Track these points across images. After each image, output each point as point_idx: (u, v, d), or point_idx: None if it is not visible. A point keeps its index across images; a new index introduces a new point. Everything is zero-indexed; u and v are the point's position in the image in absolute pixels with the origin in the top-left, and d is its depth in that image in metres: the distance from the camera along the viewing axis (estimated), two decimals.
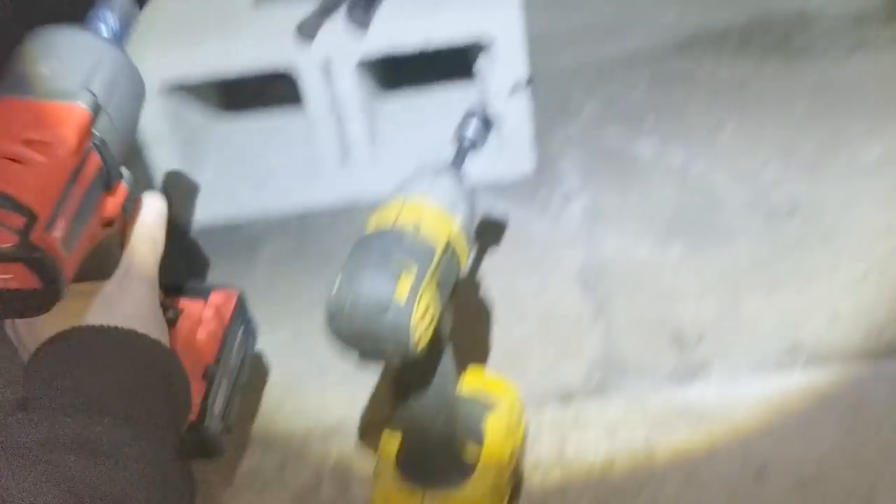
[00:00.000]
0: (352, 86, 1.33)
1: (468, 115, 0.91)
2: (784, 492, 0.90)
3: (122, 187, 0.58)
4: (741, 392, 1.01)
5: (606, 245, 1.28)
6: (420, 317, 0.66)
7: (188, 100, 1.43)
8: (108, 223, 0.57)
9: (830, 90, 1.54)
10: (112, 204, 0.57)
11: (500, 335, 1.16)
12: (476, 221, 0.80)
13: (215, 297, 0.73)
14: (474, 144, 0.89)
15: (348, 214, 1.44)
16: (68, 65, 0.55)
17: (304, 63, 1.29)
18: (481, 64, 1.41)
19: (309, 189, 1.44)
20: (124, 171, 0.59)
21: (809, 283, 1.16)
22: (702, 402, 1.01)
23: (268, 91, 1.55)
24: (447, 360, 0.78)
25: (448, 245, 0.72)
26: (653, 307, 1.16)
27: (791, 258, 1.20)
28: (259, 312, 0.86)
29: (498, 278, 1.25)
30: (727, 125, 1.49)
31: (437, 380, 0.76)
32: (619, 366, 1.09)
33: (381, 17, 1.29)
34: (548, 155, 1.48)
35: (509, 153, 1.42)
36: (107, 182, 0.56)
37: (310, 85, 1.32)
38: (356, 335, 0.67)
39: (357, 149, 1.40)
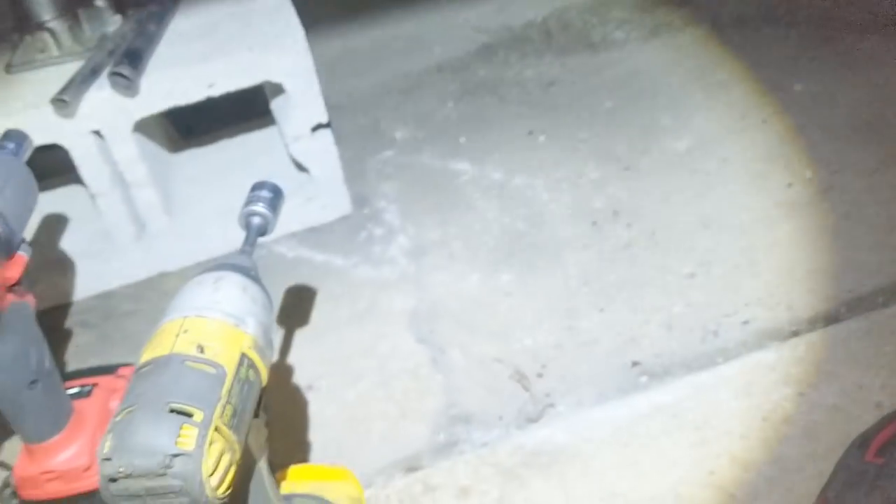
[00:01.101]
0: (133, 151, 1.21)
1: (255, 189, 0.81)
2: None
3: (20, 257, 0.77)
4: (589, 426, 0.96)
5: (435, 283, 1.22)
6: (215, 459, 0.57)
7: None
8: (10, 287, 0.76)
9: (634, 81, 1.54)
10: (10, 269, 0.76)
11: (337, 401, 1.07)
12: (273, 317, 0.71)
13: (124, 371, 0.92)
14: (266, 221, 0.80)
15: (153, 289, 1.31)
16: None
17: (72, 134, 1.15)
18: (276, 106, 1.31)
19: (105, 269, 1.30)
20: (24, 245, 0.78)
21: (641, 291, 1.13)
22: (552, 443, 0.96)
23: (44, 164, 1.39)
24: (260, 487, 0.68)
25: (241, 361, 0.62)
26: (490, 345, 1.10)
27: (620, 266, 1.18)
28: None
29: (328, 336, 1.17)
30: (541, 132, 1.46)
31: None
32: (463, 418, 1.03)
33: (155, 66, 1.18)
34: (364, 190, 1.41)
35: (322, 197, 1.33)
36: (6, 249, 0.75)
37: (83, 157, 1.19)
38: (140, 500, 0.57)
39: (152, 217, 1.27)
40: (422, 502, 0.93)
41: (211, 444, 0.56)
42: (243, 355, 0.62)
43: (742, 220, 1.20)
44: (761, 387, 0.97)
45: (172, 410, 0.56)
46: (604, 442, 0.95)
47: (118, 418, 0.57)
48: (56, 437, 0.84)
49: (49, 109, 1.14)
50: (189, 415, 0.56)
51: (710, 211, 1.23)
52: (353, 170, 1.46)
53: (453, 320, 1.15)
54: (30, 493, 0.88)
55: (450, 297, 1.19)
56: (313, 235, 1.35)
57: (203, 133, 1.53)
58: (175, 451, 0.55)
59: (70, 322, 1.29)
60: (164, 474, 0.55)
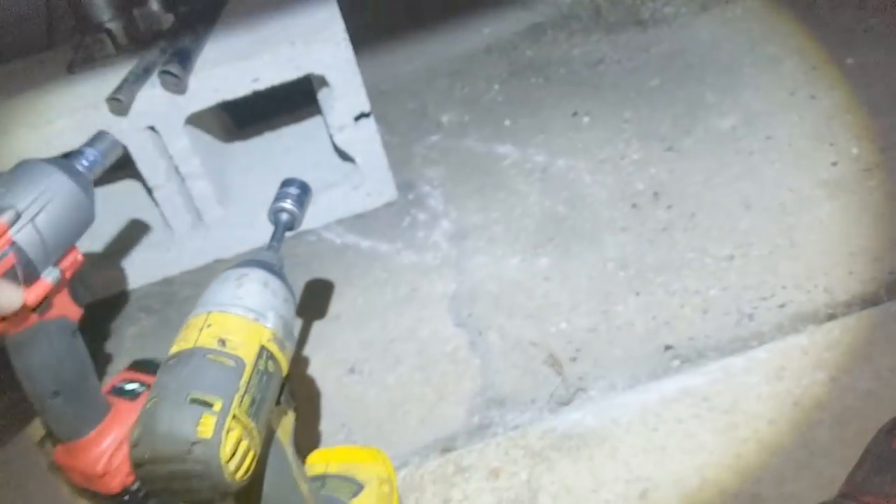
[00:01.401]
0: (186, 145, 1.26)
1: (283, 186, 0.85)
2: None
3: (43, 283, 0.79)
4: (619, 410, 0.98)
5: (475, 266, 1.24)
6: (233, 445, 0.61)
7: None
8: (35, 309, 0.79)
9: (681, 58, 1.52)
10: (30, 295, 0.78)
11: (378, 384, 1.11)
12: (294, 309, 0.75)
13: None
14: (293, 217, 0.84)
15: (211, 275, 1.37)
16: (10, 187, 0.79)
17: (128, 130, 1.21)
18: (322, 97, 1.35)
19: (165, 257, 1.37)
20: (52, 270, 0.80)
21: (678, 274, 1.14)
22: (582, 426, 0.97)
23: None
24: (286, 470, 0.73)
25: (261, 354, 0.66)
26: (527, 329, 1.13)
27: (658, 249, 1.18)
28: None
29: (371, 321, 1.21)
30: (585, 113, 1.46)
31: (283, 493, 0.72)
32: (497, 400, 1.05)
33: (203, 64, 1.22)
34: (409, 176, 1.44)
35: (368, 185, 1.37)
36: (23, 277, 0.77)
37: (140, 152, 1.24)
38: (165, 482, 0.61)
39: (206, 207, 1.33)
40: (453, 482, 0.96)
41: (229, 431, 0.60)
42: (262, 348, 0.66)
43: (784, 200, 1.19)
44: (793, 371, 0.96)
45: (193, 400, 0.61)
46: (633, 425, 0.96)
47: (146, 407, 0.62)
48: (82, 439, 0.90)
49: (106, 108, 1.19)
50: (209, 404, 0.61)
51: (752, 191, 1.22)
52: (400, 155, 1.49)
53: (492, 304, 1.18)
54: (63, 475, 0.95)
55: (489, 281, 1.21)
56: (360, 222, 1.38)
57: (259, 122, 1.58)
58: (195, 439, 0.59)
59: (133, 307, 1.36)
60: (185, 460, 0.60)
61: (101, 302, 1.38)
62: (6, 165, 1.19)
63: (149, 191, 1.31)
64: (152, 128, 1.23)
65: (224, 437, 0.60)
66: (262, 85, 1.23)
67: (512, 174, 1.39)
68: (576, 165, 1.37)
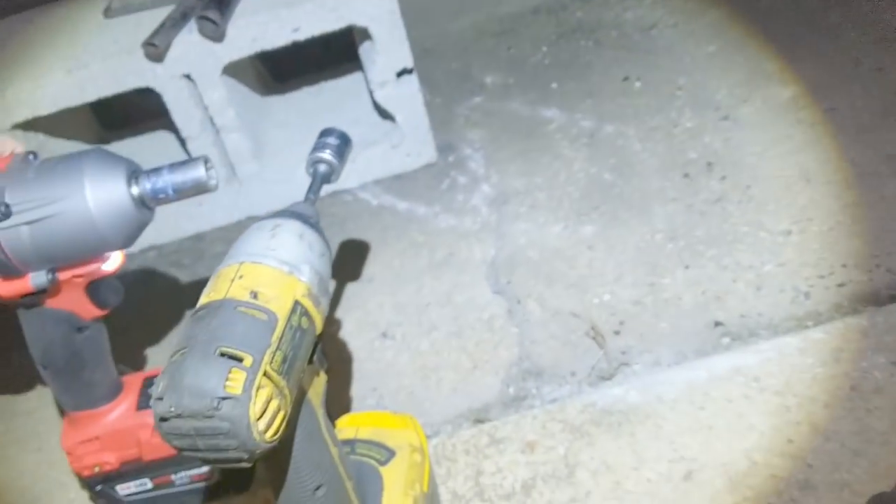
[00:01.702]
0: (222, 95, 1.22)
1: (322, 136, 0.81)
2: (714, 492, 0.83)
3: (22, 283, 0.73)
4: (664, 386, 0.93)
5: (516, 233, 1.19)
6: (263, 404, 0.57)
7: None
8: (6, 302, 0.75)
9: (740, 24, 1.46)
10: (5, 288, 0.73)
11: (411, 349, 1.08)
12: (329, 265, 0.70)
13: None
14: (332, 168, 0.80)
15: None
16: (29, 184, 0.70)
17: (163, 78, 1.18)
18: (363, 51, 1.30)
19: (198, 212, 1.33)
20: (40, 275, 0.73)
21: (730, 248, 1.08)
22: (624, 402, 0.93)
23: (141, 107, 1.43)
24: (317, 432, 0.69)
25: (294, 309, 0.62)
26: (568, 299, 1.08)
27: (710, 221, 1.12)
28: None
29: (406, 285, 1.17)
30: (637, 78, 1.40)
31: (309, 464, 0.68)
32: (534, 372, 1.01)
33: (242, 11, 1.18)
34: (450, 137, 1.39)
35: (407, 145, 1.32)
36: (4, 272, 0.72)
37: (174, 100, 1.21)
38: (190, 439, 0.58)
39: (241, 162, 1.29)
40: (487, 454, 0.92)
41: (259, 388, 0.56)
42: (297, 303, 0.61)
43: (847, 174, 1.13)
44: (851, 354, 0.91)
45: (222, 354, 0.56)
46: (678, 404, 0.91)
47: (172, 359, 0.58)
48: (68, 412, 0.87)
49: (141, 53, 1.16)
50: (239, 359, 0.56)
51: (813, 164, 1.15)
52: (441, 116, 1.44)
53: (532, 272, 1.13)
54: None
55: (530, 248, 1.17)
56: (397, 183, 1.34)
57: (298, 76, 1.53)
58: (223, 395, 0.55)
59: (164, 262, 1.33)
60: (212, 416, 0.56)
61: (130, 256, 1.35)
62: (42, 110, 1.18)
63: (182, 142, 1.27)
64: (188, 76, 1.19)
65: (254, 395, 0.56)
66: (302, 35, 1.19)
67: (557, 139, 1.34)
68: (625, 132, 1.31)
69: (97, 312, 0.80)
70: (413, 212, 1.29)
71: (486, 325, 1.08)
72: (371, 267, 1.21)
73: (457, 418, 0.98)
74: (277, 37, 1.18)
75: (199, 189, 0.73)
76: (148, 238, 1.35)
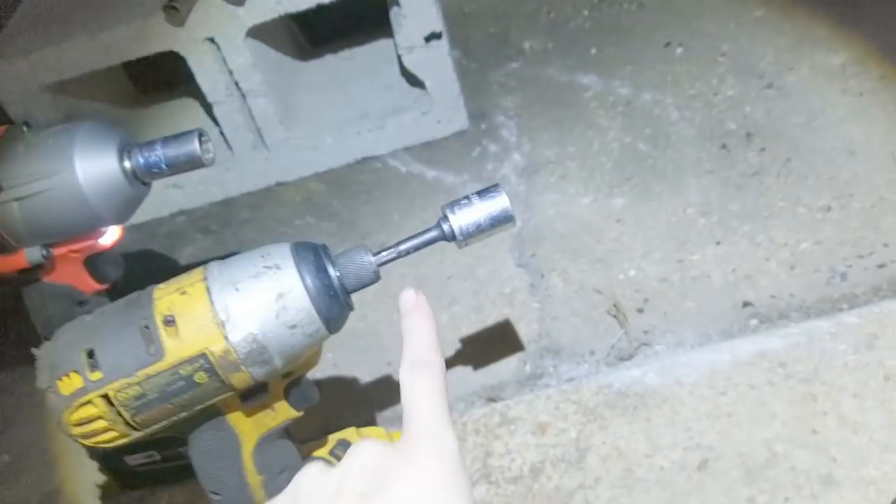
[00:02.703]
0: (248, 59, 1.20)
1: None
2: (730, 483, 0.79)
3: (16, 258, 0.72)
4: (685, 369, 0.89)
5: (544, 204, 1.16)
6: (84, 418, 0.55)
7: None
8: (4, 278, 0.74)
9: None
10: (1, 264, 0.73)
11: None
12: (311, 338, 0.56)
13: None
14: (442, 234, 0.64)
15: (270, 198, 1.33)
16: (17, 160, 0.69)
17: (186, 41, 1.16)
18: (393, 15, 1.26)
19: (226, 177, 1.33)
20: (34, 251, 0.72)
21: (765, 224, 1.03)
22: (641, 384, 0.89)
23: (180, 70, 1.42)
24: (224, 457, 0.61)
25: (194, 360, 0.53)
26: (593, 274, 1.04)
27: (746, 195, 1.07)
28: None
29: (429, 256, 1.14)
30: (678, 44, 1.34)
31: None
32: (553, 349, 0.98)
33: None
34: (483, 104, 1.35)
35: (437, 111, 1.29)
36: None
37: (199, 64, 1.19)
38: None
39: (268, 127, 1.28)
40: (497, 434, 0.89)
41: (86, 404, 0.54)
42: (202, 355, 0.53)
43: (894, 148, 1.06)
44: (888, 341, 0.86)
45: (86, 353, 0.54)
46: (699, 388, 0.87)
47: (70, 322, 0.57)
48: None
49: (163, 17, 1.14)
50: (91, 368, 0.54)
51: (859, 136, 1.09)
52: (475, 82, 1.40)
53: (558, 244, 1.09)
54: None
55: (557, 220, 1.13)
56: (427, 150, 1.31)
57: (336, 40, 1.50)
58: (49, 385, 0.55)
59: (191, 227, 1.33)
60: (45, 394, 0.56)
61: (159, 221, 1.35)
62: (67, 73, 1.17)
63: (208, 108, 1.26)
64: (212, 39, 1.17)
65: (75, 405, 0.54)
66: None
67: (593, 106, 1.29)
68: (663, 100, 1.25)
69: (97, 286, 0.79)
70: (441, 180, 1.26)
71: (507, 300, 1.05)
72: (396, 237, 1.18)
73: (470, 395, 0.96)
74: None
75: (194, 164, 0.71)
76: (177, 203, 1.35)
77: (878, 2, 1.27)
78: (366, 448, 0.42)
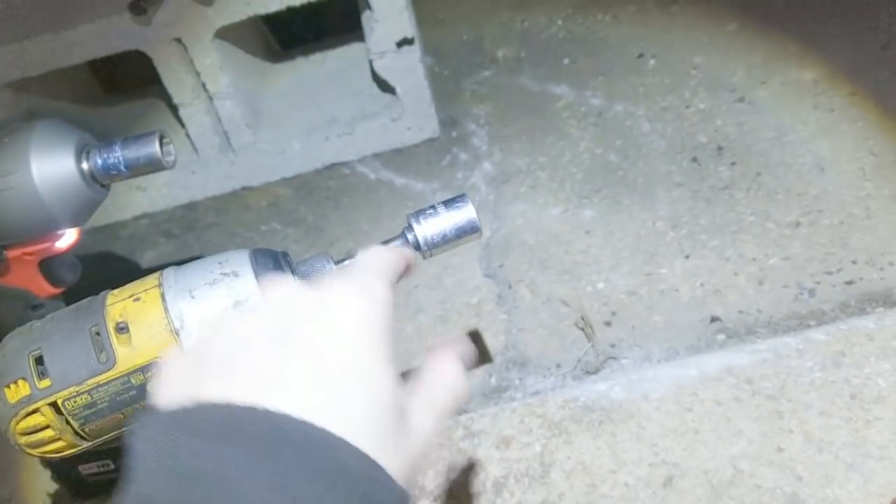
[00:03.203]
0: (215, 61, 1.18)
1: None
2: (694, 501, 0.78)
3: None
4: (651, 384, 0.88)
5: (513, 214, 1.14)
6: (31, 427, 0.53)
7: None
8: None
9: (765, 2, 1.38)
10: None
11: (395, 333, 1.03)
12: None
13: None
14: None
15: (236, 203, 1.31)
16: None
17: (153, 41, 1.14)
18: (364, 19, 1.25)
19: (191, 180, 1.30)
20: None
21: (734, 238, 1.02)
22: (607, 399, 0.88)
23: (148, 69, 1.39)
24: None
25: (146, 368, 0.52)
26: (560, 286, 1.03)
27: (715, 209, 1.06)
28: None
29: None
30: (651, 56, 1.33)
31: None
32: (519, 362, 0.96)
33: None
34: (454, 112, 1.34)
35: (408, 118, 1.27)
36: None
37: (165, 65, 1.17)
38: None
39: (234, 131, 1.25)
40: (461, 448, 0.88)
41: (33, 413, 0.52)
42: (156, 364, 0.52)
43: (864, 164, 1.06)
44: (854, 358, 0.85)
45: (34, 359, 0.52)
46: (664, 403, 0.86)
47: (28, 324, 0.55)
48: None
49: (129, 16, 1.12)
50: (40, 376, 0.52)
51: (829, 152, 1.09)
52: (447, 90, 1.39)
53: (526, 255, 1.08)
54: None
55: (526, 230, 1.11)
56: (397, 157, 1.29)
57: (307, 44, 1.48)
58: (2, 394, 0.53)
59: (154, 231, 1.30)
60: None
61: (122, 223, 1.32)
62: (30, 71, 1.14)
63: (174, 109, 1.23)
64: (179, 40, 1.15)
65: (22, 414, 0.52)
66: (297, 0, 1.14)
67: (564, 117, 1.28)
68: (635, 112, 1.25)
69: (52, 290, 0.76)
70: (410, 188, 1.24)
71: (473, 311, 1.04)
72: (363, 244, 1.17)
73: None
74: (271, 1, 1.13)
75: (154, 166, 0.69)
76: (141, 205, 1.32)
77: (850, 19, 1.27)
78: (284, 288, 0.39)
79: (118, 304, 0.53)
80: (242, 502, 0.29)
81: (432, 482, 0.85)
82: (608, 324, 0.97)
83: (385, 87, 1.28)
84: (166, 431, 0.31)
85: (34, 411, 0.52)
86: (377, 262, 0.43)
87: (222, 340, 0.36)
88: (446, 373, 0.42)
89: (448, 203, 0.59)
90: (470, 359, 0.45)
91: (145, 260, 1.25)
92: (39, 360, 0.52)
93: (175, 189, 1.31)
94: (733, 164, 1.11)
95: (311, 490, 0.30)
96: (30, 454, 0.55)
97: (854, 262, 0.96)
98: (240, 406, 0.31)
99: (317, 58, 1.46)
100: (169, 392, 0.35)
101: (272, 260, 0.55)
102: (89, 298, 0.55)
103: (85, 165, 0.68)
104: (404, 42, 1.19)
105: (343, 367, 0.34)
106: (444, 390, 0.41)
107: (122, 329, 0.52)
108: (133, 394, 0.52)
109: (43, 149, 0.67)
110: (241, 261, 0.54)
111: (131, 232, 1.31)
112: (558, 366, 0.95)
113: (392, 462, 0.33)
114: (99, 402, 0.52)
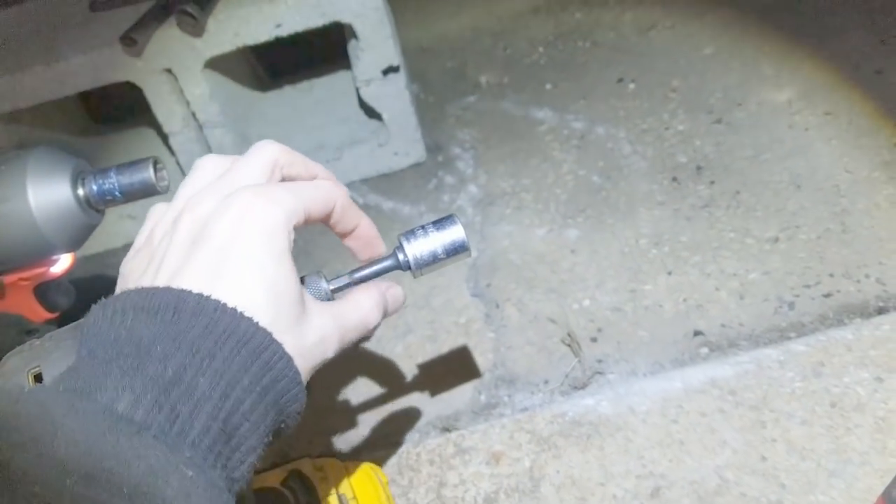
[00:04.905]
0: (205, 90, 1.20)
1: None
2: None
3: None
4: (637, 398, 0.90)
5: (499, 235, 1.17)
6: None
7: None
8: None
9: (739, 25, 1.42)
10: None
11: (385, 352, 1.05)
12: None
13: None
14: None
15: None
16: None
17: (143, 72, 1.16)
18: (351, 48, 1.27)
19: None
20: None
21: (715, 254, 1.05)
22: (595, 413, 0.90)
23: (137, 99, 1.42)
24: None
25: None
26: (547, 304, 1.05)
27: (696, 226, 1.09)
28: None
29: None
30: (631, 80, 1.37)
31: None
32: (507, 379, 0.98)
33: (224, 5, 1.16)
34: (440, 137, 1.36)
35: (395, 143, 1.30)
36: None
37: (155, 95, 1.19)
38: None
39: None
40: (451, 464, 0.89)
41: None
42: None
43: (839, 181, 1.09)
44: (834, 368, 0.87)
45: (34, 377, 0.54)
46: (651, 416, 0.88)
47: (30, 341, 0.56)
48: None
49: (121, 47, 1.14)
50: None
51: (805, 170, 1.12)
52: (433, 115, 1.41)
53: (513, 275, 1.10)
54: None
55: (512, 251, 1.14)
56: (384, 182, 1.32)
57: (295, 73, 1.51)
58: None
59: None
60: None
61: (112, 252, 1.34)
62: (21, 103, 1.16)
63: (164, 138, 1.25)
64: (169, 70, 1.17)
65: None
66: (285, 31, 1.17)
67: (548, 140, 1.31)
68: (616, 134, 1.28)
69: (47, 315, 0.77)
70: (398, 212, 1.26)
71: (462, 330, 1.05)
72: (351, 267, 1.19)
73: (425, 426, 0.96)
74: (260, 32, 1.16)
75: (148, 191, 0.70)
76: (131, 234, 1.34)
77: (823, 40, 1.31)
78: (204, 169, 0.47)
79: None
80: (145, 354, 0.36)
81: (423, 498, 0.87)
82: (594, 340, 0.99)
83: (372, 113, 1.31)
84: (110, 305, 0.40)
85: None
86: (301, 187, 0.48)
87: (156, 242, 0.45)
88: (361, 300, 0.48)
89: (437, 223, 0.60)
90: (395, 301, 0.52)
91: None
92: (39, 378, 0.53)
93: None
94: (712, 182, 1.14)
95: (203, 344, 0.37)
96: None
97: (831, 276, 0.98)
98: (159, 288, 0.39)
99: (304, 86, 1.48)
100: (123, 283, 0.45)
101: None
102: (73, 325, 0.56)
103: (81, 191, 0.69)
104: (390, 70, 1.22)
105: (244, 260, 0.40)
106: (355, 312, 0.47)
107: None
108: None
109: (39, 175, 0.68)
110: None
111: (121, 261, 1.32)
112: (546, 382, 0.97)
113: (287, 342, 0.39)
114: None
